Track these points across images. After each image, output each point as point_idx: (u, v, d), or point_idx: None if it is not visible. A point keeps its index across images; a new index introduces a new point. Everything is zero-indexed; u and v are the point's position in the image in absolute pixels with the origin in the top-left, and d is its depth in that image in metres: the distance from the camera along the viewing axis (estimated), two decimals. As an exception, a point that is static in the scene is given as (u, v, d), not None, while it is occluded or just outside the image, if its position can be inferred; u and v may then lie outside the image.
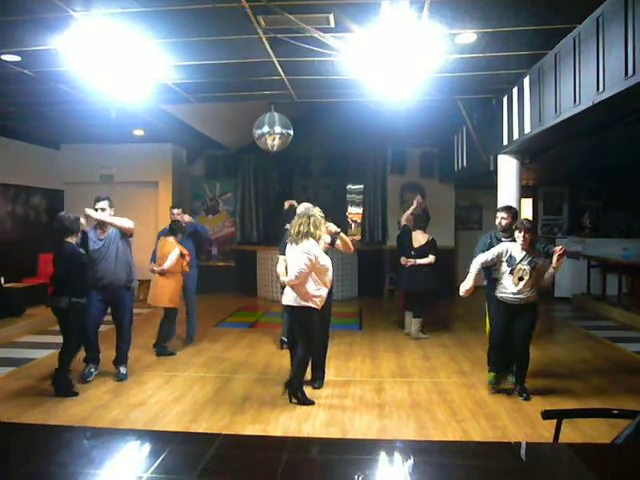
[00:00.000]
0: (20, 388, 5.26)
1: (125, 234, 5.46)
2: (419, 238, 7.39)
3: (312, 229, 4.77)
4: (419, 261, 7.28)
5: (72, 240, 5.03)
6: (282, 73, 5.77)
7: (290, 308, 4.92)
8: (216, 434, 1.87)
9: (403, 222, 7.63)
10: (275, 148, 7.28)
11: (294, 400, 4.87)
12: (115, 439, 1.85)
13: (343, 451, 1.85)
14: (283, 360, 6.33)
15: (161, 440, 1.88)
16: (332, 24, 4.35)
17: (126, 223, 5.43)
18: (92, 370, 5.51)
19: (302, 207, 5.29)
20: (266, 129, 7.12)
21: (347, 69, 5.46)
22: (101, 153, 10.48)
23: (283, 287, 5.17)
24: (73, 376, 5.27)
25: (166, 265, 6.30)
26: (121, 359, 5.62)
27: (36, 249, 9.59)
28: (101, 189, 10.02)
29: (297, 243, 4.80)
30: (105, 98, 6.33)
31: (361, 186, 12.18)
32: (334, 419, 4.56)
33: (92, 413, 4.64)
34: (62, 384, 5.01)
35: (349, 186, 12.33)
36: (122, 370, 5.58)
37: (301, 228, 4.78)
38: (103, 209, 5.37)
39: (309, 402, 4.87)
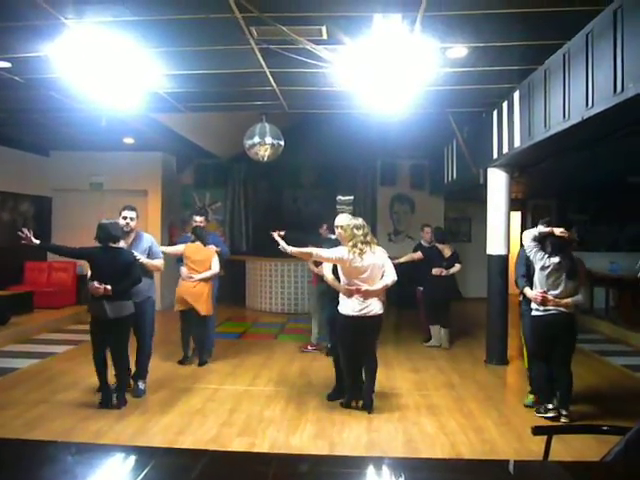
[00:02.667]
0: (3, 398, 5.17)
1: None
2: (446, 251, 7.74)
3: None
4: (452, 270, 7.67)
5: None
6: (274, 84, 5.78)
7: (376, 317, 4.90)
8: (203, 450, 1.84)
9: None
10: (266, 158, 7.27)
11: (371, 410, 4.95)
12: (99, 455, 1.81)
13: (332, 467, 1.83)
14: (271, 372, 6.30)
15: (146, 455, 1.84)
16: (324, 36, 4.36)
17: (158, 265, 5.47)
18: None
19: (347, 219, 5.15)
20: (257, 139, 7.11)
21: (339, 81, 5.48)
22: (91, 161, 10.41)
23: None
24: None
25: (216, 269, 6.37)
26: (140, 374, 5.44)
27: (23, 257, 9.50)
28: (90, 197, 10.01)
29: (371, 251, 4.82)
30: (96, 106, 6.30)
31: (351, 197, 12.20)
32: (322, 432, 4.52)
33: (76, 425, 4.56)
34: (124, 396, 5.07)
35: (339, 197, 12.34)
36: (141, 385, 5.40)
37: (368, 238, 4.84)
38: (132, 218, 5.33)
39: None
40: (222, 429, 4.55)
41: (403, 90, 5.38)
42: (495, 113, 6.51)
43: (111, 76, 5.14)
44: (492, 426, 4.69)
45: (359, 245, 4.76)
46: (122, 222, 5.26)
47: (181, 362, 6.52)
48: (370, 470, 1.80)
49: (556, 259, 4.76)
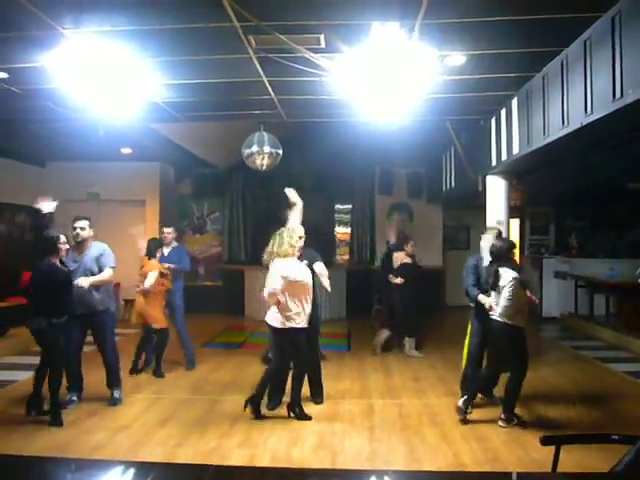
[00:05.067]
0: (1, 411, 5.12)
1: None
2: (398, 258, 7.66)
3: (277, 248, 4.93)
4: (396, 280, 7.55)
5: (54, 259, 4.90)
6: (272, 93, 5.77)
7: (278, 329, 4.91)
8: (204, 465, 1.80)
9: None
10: (264, 167, 7.25)
11: (292, 415, 4.99)
12: (99, 472, 1.76)
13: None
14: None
15: (145, 470, 1.80)
16: (323, 44, 4.36)
17: (103, 279, 5.31)
18: (74, 398, 5.29)
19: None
20: (255, 148, 7.09)
21: (337, 89, 5.46)
22: (88, 171, 10.38)
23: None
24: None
25: (146, 284, 6.21)
26: (112, 382, 5.41)
27: (20, 268, 9.42)
28: (88, 207, 9.94)
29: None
30: (93, 116, 6.27)
31: (349, 206, 12.19)
32: (324, 443, 4.48)
33: (75, 438, 4.50)
34: (56, 412, 4.82)
35: (337, 206, 12.32)
36: (115, 394, 5.37)
37: (274, 248, 4.92)
38: (82, 228, 5.24)
39: (307, 417, 4.98)
40: (222, 440, 4.50)
41: (401, 98, 5.35)
42: (493, 120, 6.51)
43: (109, 86, 5.11)
44: (494, 435, 4.65)
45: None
46: (73, 233, 5.21)
47: (131, 372, 6.41)
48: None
49: (490, 269, 5.00)
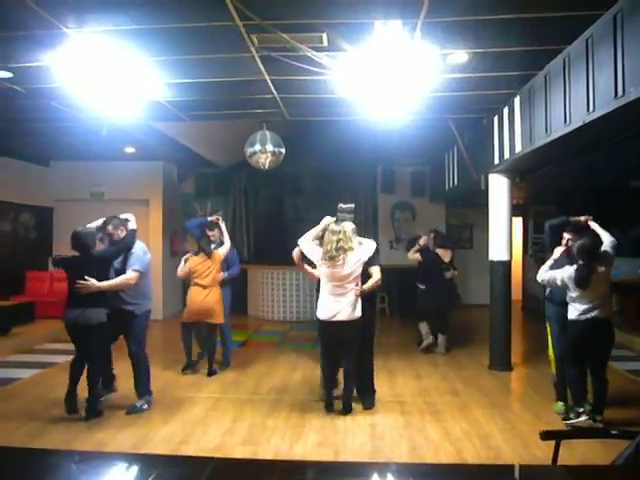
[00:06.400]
0: (5, 408, 5.15)
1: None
2: (445, 256, 7.72)
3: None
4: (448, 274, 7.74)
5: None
6: (274, 91, 5.79)
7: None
8: (207, 458, 1.82)
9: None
10: (267, 166, 7.27)
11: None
12: (103, 463, 1.79)
13: (338, 474, 1.80)
14: (274, 380, 6.27)
15: (149, 463, 1.82)
16: (325, 43, 4.37)
17: (118, 283, 5.01)
18: (104, 394, 5.25)
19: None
20: (258, 147, 7.12)
21: (339, 88, 5.49)
22: (92, 170, 10.42)
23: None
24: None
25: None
26: (136, 389, 5.22)
27: (24, 267, 9.48)
28: (91, 207, 9.99)
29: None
30: (97, 115, 6.31)
31: (352, 205, 12.15)
32: (326, 440, 4.49)
33: (78, 435, 4.52)
34: (94, 408, 4.89)
35: (340, 205, 12.27)
36: (137, 403, 5.16)
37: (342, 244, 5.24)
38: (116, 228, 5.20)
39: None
40: (225, 438, 4.52)
41: (404, 96, 5.38)
42: (496, 119, 6.51)
43: (112, 85, 5.15)
44: (497, 432, 4.66)
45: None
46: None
47: (184, 370, 6.47)
48: (377, 476, 1.77)
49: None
